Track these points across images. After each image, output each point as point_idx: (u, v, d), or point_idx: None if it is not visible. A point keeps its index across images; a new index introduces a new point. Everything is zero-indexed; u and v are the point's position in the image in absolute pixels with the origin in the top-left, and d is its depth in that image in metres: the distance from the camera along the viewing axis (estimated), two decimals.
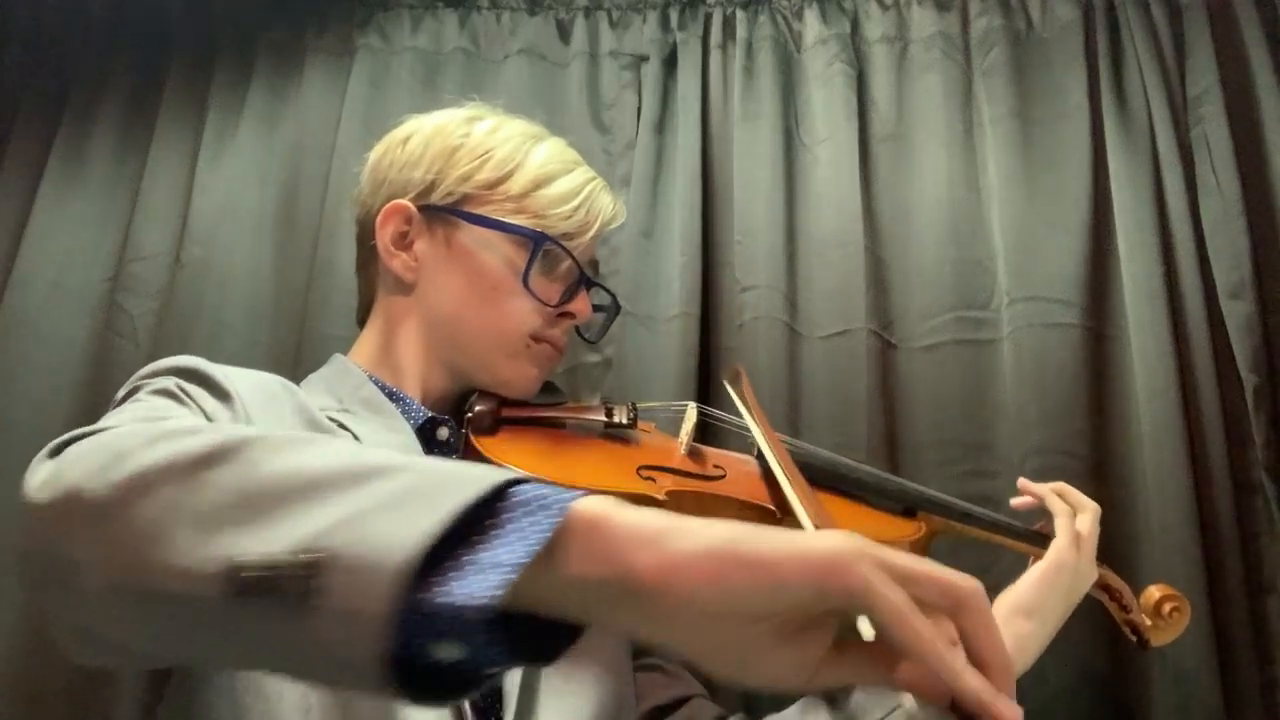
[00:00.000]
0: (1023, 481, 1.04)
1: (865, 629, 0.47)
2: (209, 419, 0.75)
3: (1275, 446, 1.24)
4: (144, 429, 0.57)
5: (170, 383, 0.77)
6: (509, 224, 0.94)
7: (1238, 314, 1.27)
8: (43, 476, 0.56)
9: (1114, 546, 1.22)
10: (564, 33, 1.53)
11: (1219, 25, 1.41)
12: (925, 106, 1.44)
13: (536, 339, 0.97)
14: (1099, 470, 1.27)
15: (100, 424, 0.64)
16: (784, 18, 1.50)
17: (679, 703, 0.98)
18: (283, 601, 0.44)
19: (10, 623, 1.25)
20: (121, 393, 0.80)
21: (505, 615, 0.44)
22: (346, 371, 0.96)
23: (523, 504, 0.47)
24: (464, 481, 0.47)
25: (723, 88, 1.47)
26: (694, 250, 1.37)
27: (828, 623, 0.49)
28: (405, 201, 0.96)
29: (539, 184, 0.96)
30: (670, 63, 1.49)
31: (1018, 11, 1.47)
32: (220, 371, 0.81)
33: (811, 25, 1.49)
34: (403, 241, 0.97)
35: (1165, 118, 1.38)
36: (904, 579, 0.46)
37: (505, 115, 1.02)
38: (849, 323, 1.33)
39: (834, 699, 0.94)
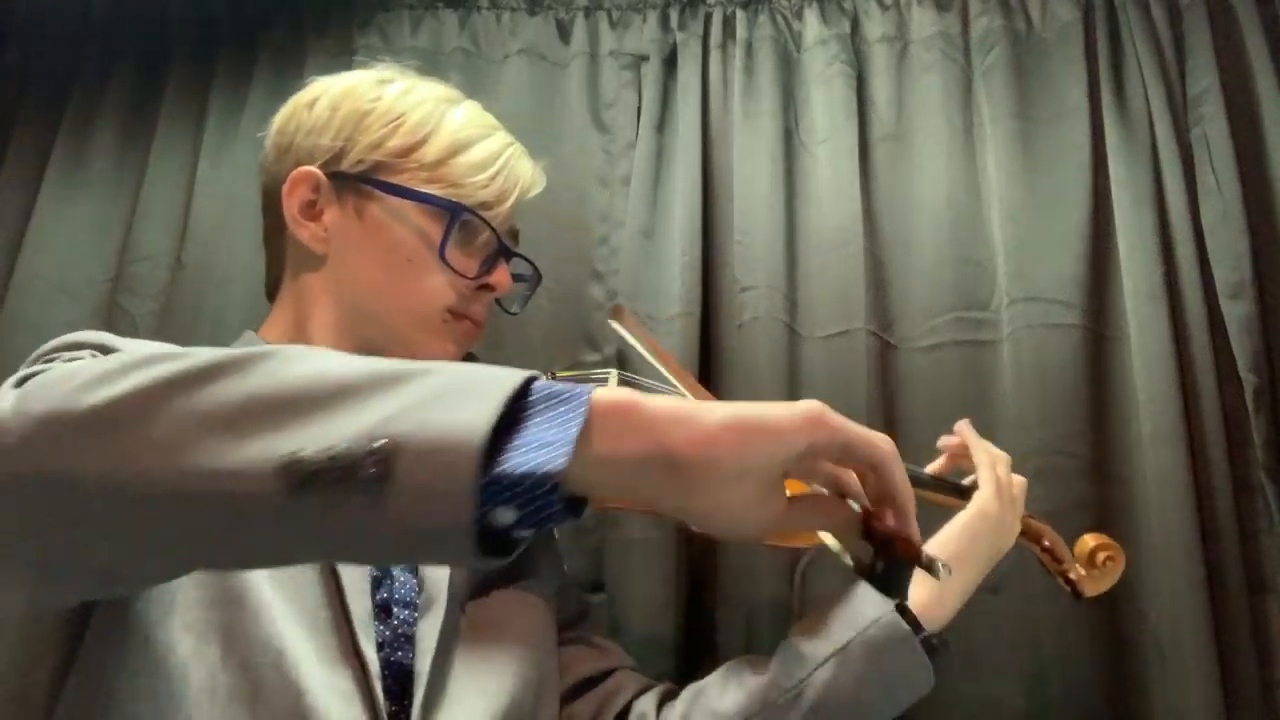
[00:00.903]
0: (960, 425, 1.04)
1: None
2: None
3: (1275, 446, 1.24)
4: (121, 356, 0.55)
5: (84, 355, 0.74)
6: (424, 194, 0.90)
7: (1238, 314, 1.27)
8: (13, 402, 0.54)
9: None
10: (564, 33, 1.53)
11: (1219, 25, 1.41)
12: (925, 107, 1.44)
13: (455, 314, 0.93)
14: (1099, 470, 1.27)
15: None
16: (784, 18, 1.50)
17: (605, 674, 0.97)
18: (354, 489, 0.47)
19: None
20: (28, 364, 0.74)
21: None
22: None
23: (545, 398, 0.51)
24: (494, 378, 0.51)
25: (723, 87, 1.47)
26: (694, 250, 1.37)
27: (783, 482, 0.58)
28: (313, 169, 0.92)
29: (454, 151, 0.92)
30: (670, 63, 1.49)
31: (1018, 11, 1.47)
32: (127, 346, 0.78)
33: (811, 25, 1.49)
34: (311, 210, 0.92)
35: (1165, 118, 1.38)
36: (861, 430, 0.60)
37: (417, 77, 0.98)
38: (849, 323, 1.33)
39: (755, 665, 0.94)
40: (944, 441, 1.06)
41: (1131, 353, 1.29)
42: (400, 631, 0.80)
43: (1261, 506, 1.22)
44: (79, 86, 1.53)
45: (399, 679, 0.78)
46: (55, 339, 0.78)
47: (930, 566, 0.59)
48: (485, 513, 0.48)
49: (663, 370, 0.94)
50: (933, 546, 0.92)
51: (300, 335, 0.92)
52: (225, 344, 1.36)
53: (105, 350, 0.76)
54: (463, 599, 0.87)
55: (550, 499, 0.48)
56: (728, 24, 1.50)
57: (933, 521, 1.07)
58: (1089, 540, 1.05)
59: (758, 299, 1.35)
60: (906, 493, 0.60)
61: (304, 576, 0.77)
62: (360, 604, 0.77)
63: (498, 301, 1.00)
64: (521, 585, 0.93)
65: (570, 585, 1.06)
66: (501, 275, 0.96)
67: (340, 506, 0.47)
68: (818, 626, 0.92)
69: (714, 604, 1.23)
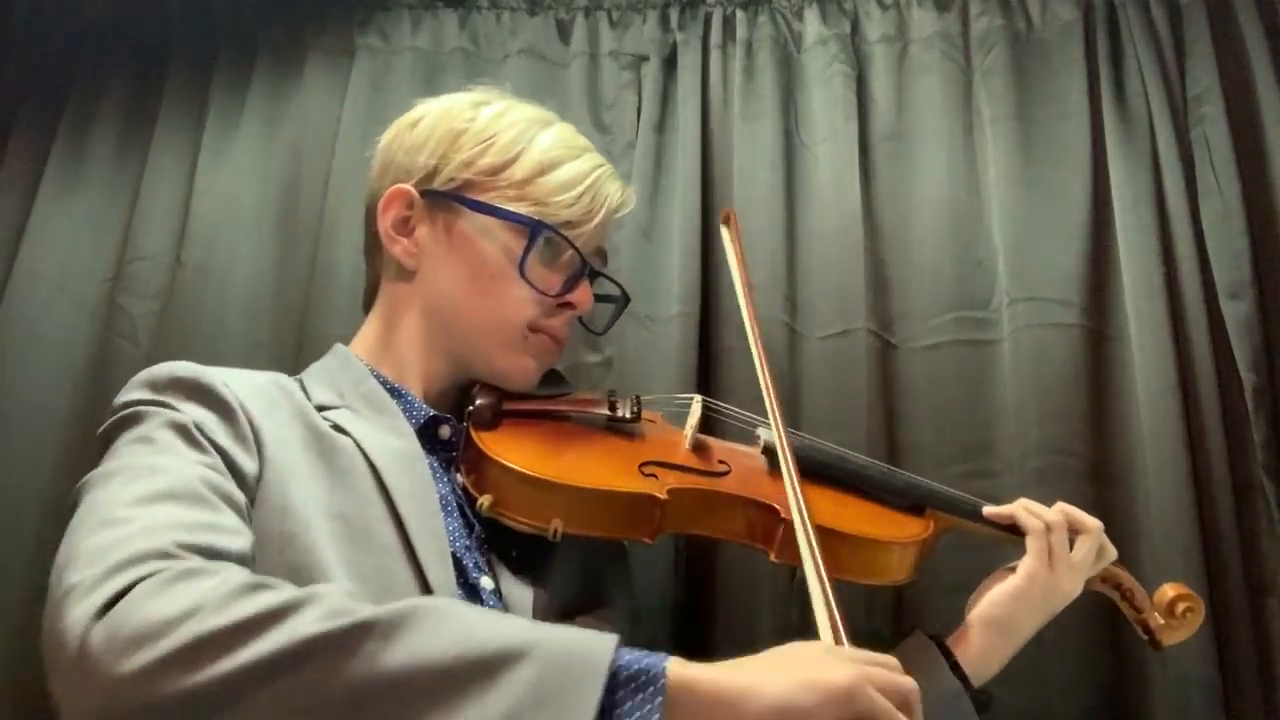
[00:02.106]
0: (986, 511, 1.02)
1: None
2: (225, 455, 0.76)
3: (1275, 446, 1.24)
4: (224, 592, 0.60)
5: (185, 415, 0.77)
6: (508, 211, 0.93)
7: (1238, 314, 1.27)
8: (103, 639, 0.58)
9: (1114, 547, 1.22)
10: (564, 33, 1.53)
11: (1219, 25, 1.41)
12: (925, 107, 1.44)
13: (534, 329, 0.96)
14: (1098, 470, 1.27)
15: (121, 515, 0.67)
16: (784, 18, 1.50)
17: None
18: None
19: (10, 624, 1.25)
20: (121, 400, 0.80)
21: None
22: (348, 365, 0.95)
23: (630, 679, 0.59)
24: (583, 668, 0.58)
25: (723, 88, 1.47)
26: (694, 250, 1.37)
27: None
28: (408, 186, 0.96)
29: (542, 170, 0.95)
30: (670, 63, 1.49)
31: (1018, 11, 1.47)
32: (220, 381, 0.81)
33: (811, 25, 1.49)
34: (404, 227, 0.96)
35: (1165, 118, 1.38)
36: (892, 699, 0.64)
37: (514, 100, 1.01)
38: (849, 323, 1.33)
39: None
40: (989, 511, 1.03)
41: (1131, 352, 1.29)
42: None
43: (1261, 506, 1.22)
44: (79, 86, 1.53)
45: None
46: (143, 374, 0.81)
47: None
48: None
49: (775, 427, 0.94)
50: (982, 607, 0.96)
51: (389, 349, 0.96)
52: (225, 344, 1.37)
53: (198, 391, 0.79)
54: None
55: None
56: (728, 24, 1.50)
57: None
58: (1169, 590, 1.03)
59: (758, 299, 1.34)
60: None
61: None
62: None
63: (582, 322, 1.03)
64: (599, 614, 0.94)
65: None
66: (583, 293, 0.98)
67: None
68: None
69: (714, 605, 1.23)
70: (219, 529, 0.69)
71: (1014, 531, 1.00)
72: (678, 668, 0.61)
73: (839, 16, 1.49)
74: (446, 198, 0.95)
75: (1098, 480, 1.26)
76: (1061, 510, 1.00)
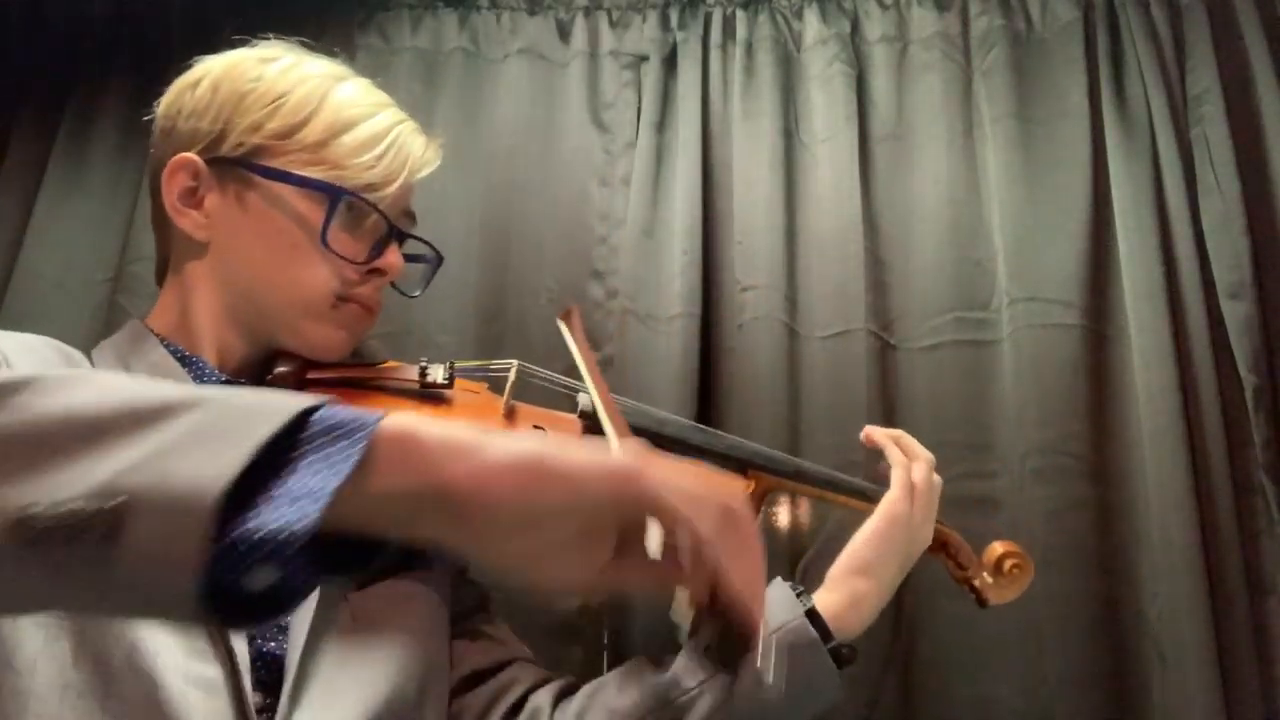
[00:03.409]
0: (867, 429, 1.01)
1: (652, 544, 0.51)
2: None
3: (1275, 446, 1.24)
4: None
5: None
6: (303, 177, 0.86)
7: (1238, 314, 1.27)
8: None
9: (1114, 547, 1.22)
10: (564, 32, 1.53)
11: (1219, 25, 1.41)
12: (925, 107, 1.44)
13: (343, 299, 0.89)
14: (1099, 471, 1.27)
15: None
16: (784, 17, 1.50)
17: (500, 667, 0.94)
18: (83, 547, 0.43)
19: None
20: None
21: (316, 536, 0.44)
22: (139, 336, 0.89)
23: (324, 430, 0.48)
24: (261, 414, 0.47)
25: (723, 87, 1.47)
26: (694, 250, 1.37)
27: (611, 532, 0.52)
28: (192, 155, 0.89)
29: (337, 131, 0.88)
30: (670, 62, 1.49)
31: (1018, 11, 1.47)
32: None
33: (811, 25, 1.49)
34: (192, 198, 0.89)
35: (1165, 118, 1.38)
36: (684, 493, 0.52)
37: (304, 53, 0.94)
38: (849, 323, 1.33)
39: (658, 664, 0.92)
40: (868, 430, 1.03)
41: (1132, 352, 1.29)
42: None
43: (1261, 507, 1.22)
44: (79, 86, 1.53)
45: (273, 669, 0.75)
46: None
47: (761, 660, 0.56)
48: (231, 576, 0.44)
49: (591, 388, 0.90)
50: (844, 556, 0.93)
51: (185, 324, 0.90)
52: None
53: None
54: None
55: (297, 559, 0.43)
56: (728, 24, 1.50)
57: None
58: (997, 547, 1.02)
59: (758, 299, 1.35)
60: (734, 576, 0.53)
61: None
62: None
63: (395, 286, 0.97)
64: (412, 574, 0.89)
65: (465, 574, 1.01)
66: (391, 257, 0.92)
67: (69, 564, 0.44)
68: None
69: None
70: None
71: (848, 490, 1.01)
72: (401, 418, 0.49)
73: (839, 16, 1.49)
74: (235, 165, 0.87)
75: (1098, 480, 1.26)
76: (899, 438, 0.99)
